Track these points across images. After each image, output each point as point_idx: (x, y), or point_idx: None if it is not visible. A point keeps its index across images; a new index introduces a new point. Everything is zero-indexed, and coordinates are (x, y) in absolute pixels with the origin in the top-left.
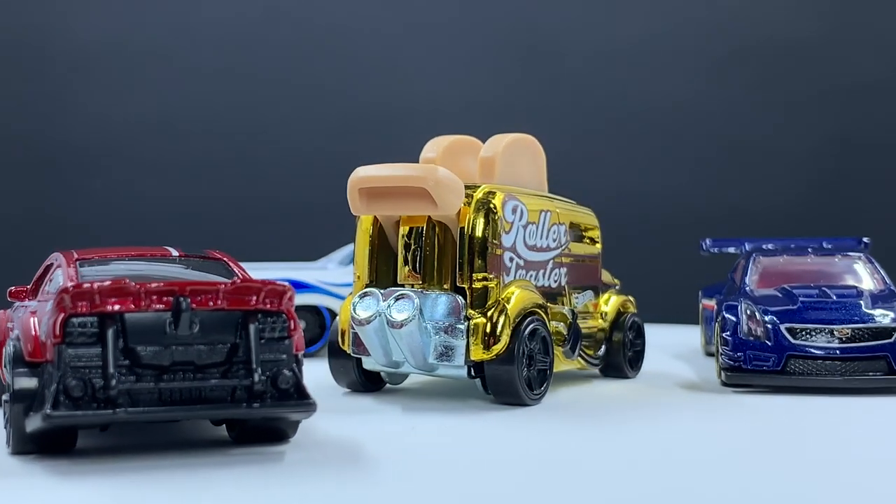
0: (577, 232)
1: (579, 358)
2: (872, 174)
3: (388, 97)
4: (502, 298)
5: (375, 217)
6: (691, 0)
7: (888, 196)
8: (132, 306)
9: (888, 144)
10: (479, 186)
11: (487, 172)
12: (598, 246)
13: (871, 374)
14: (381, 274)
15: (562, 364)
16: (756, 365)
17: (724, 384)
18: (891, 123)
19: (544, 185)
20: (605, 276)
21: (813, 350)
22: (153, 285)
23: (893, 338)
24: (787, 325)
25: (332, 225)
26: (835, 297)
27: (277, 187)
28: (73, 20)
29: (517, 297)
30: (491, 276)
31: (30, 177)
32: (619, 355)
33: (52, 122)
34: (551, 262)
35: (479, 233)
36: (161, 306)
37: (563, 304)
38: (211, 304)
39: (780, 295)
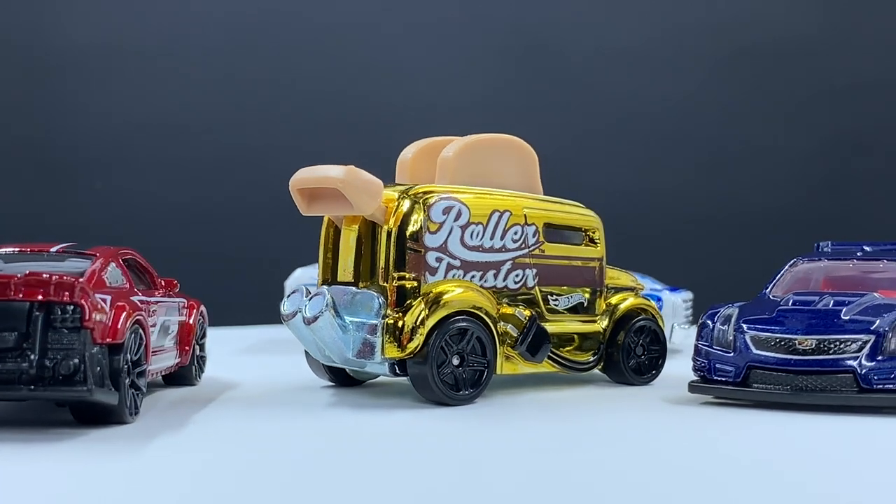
0: (564, 233)
1: (550, 361)
2: (873, 175)
3: (388, 98)
4: (425, 297)
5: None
6: (690, 0)
7: (889, 196)
8: None
9: (889, 144)
10: (412, 186)
11: (443, 173)
12: (598, 248)
13: (834, 390)
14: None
15: (523, 367)
16: (720, 375)
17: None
18: (892, 123)
19: (535, 186)
20: (624, 279)
21: (773, 362)
22: None
23: (863, 352)
24: (753, 333)
25: None
26: (830, 305)
27: (277, 187)
28: (72, 21)
29: (445, 296)
30: (410, 275)
31: (30, 177)
32: (620, 361)
33: (51, 122)
34: (510, 262)
35: (398, 232)
36: None
37: (527, 305)
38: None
39: (772, 301)
